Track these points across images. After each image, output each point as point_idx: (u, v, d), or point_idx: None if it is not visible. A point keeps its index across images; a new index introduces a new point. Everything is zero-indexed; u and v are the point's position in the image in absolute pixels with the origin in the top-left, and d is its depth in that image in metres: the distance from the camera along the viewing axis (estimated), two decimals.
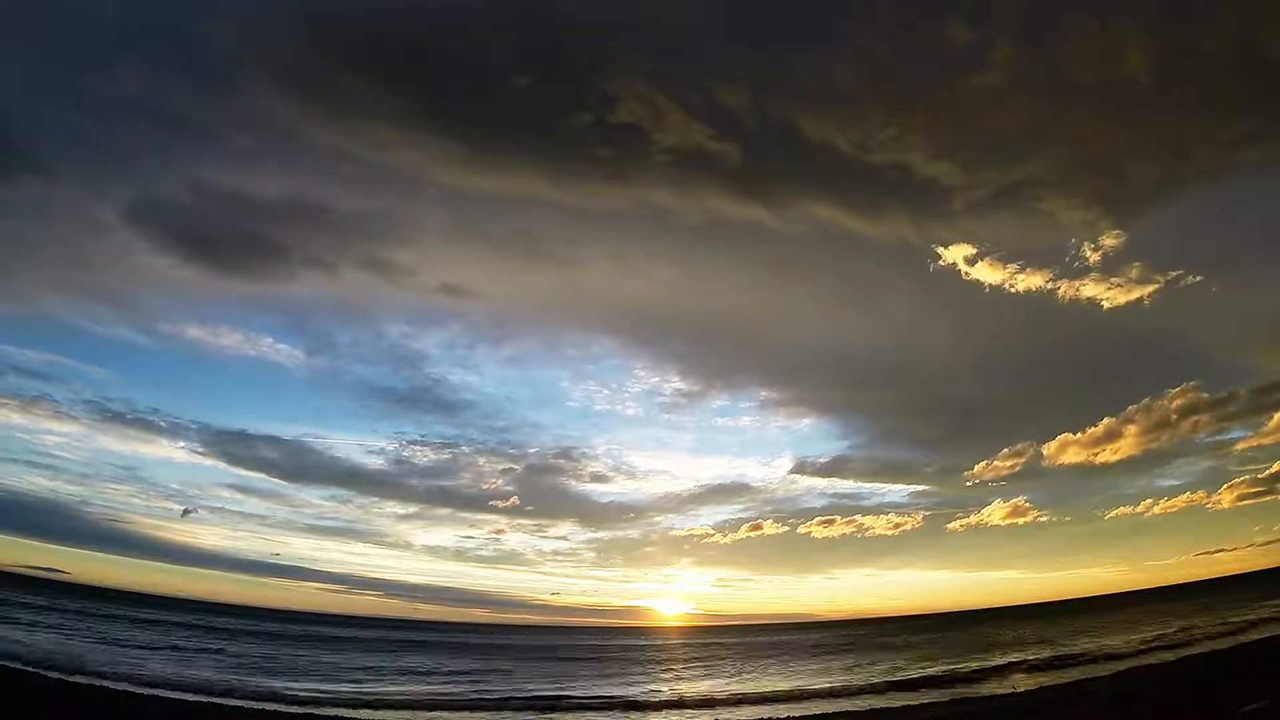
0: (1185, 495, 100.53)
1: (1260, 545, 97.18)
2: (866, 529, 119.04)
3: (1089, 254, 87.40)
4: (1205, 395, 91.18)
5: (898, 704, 23.21)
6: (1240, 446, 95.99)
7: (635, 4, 73.90)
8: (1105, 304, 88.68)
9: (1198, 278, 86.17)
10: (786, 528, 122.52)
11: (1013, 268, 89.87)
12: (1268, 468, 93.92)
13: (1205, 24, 62.41)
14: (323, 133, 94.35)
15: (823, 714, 22.09)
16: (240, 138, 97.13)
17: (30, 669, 24.56)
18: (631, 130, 78.57)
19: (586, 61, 77.08)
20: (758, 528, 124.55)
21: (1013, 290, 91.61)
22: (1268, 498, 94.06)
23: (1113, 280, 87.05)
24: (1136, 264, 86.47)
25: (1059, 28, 69.32)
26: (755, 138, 79.22)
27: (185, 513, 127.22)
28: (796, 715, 22.72)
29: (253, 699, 24.74)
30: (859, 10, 73.07)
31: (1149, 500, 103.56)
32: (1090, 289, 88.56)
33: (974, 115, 75.20)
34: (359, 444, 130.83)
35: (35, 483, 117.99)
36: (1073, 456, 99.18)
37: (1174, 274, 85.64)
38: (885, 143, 76.39)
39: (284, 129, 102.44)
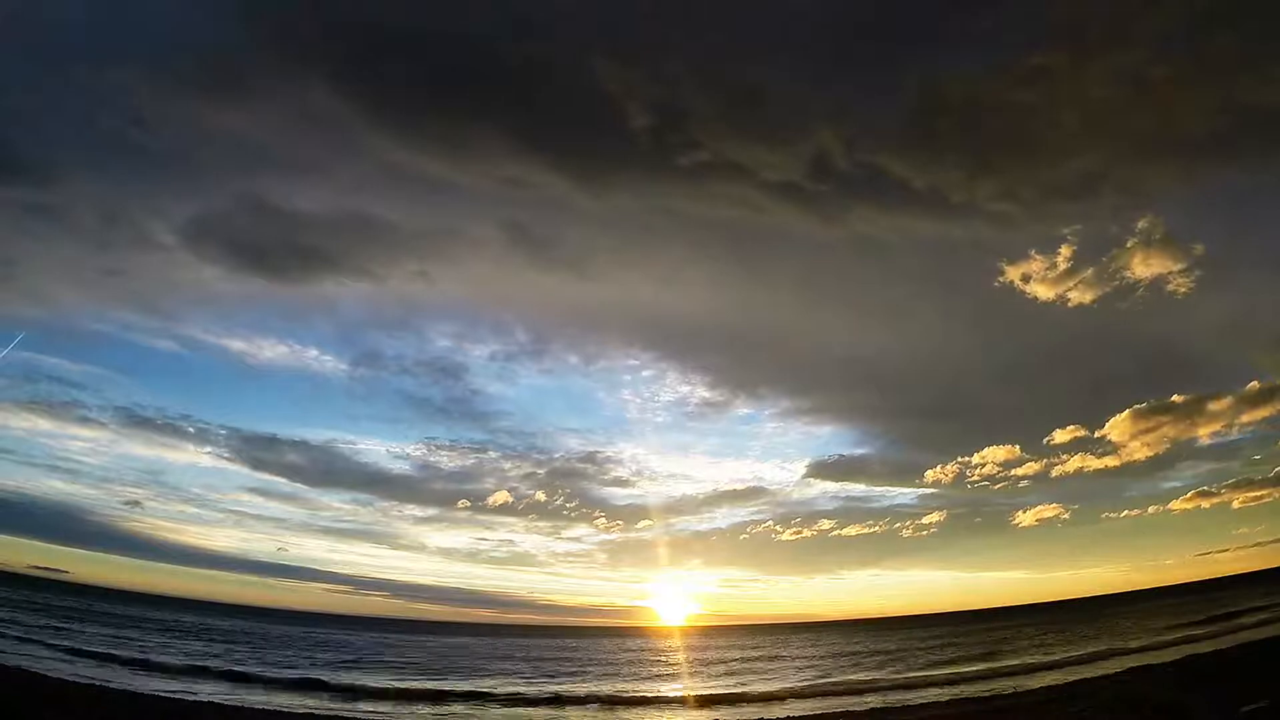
0: (1189, 497, 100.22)
1: (1262, 545, 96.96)
2: (877, 531, 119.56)
3: (1121, 266, 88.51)
4: (1210, 399, 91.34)
5: (899, 703, 23.15)
6: (1244, 449, 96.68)
7: (747, 60, 78.41)
8: (1123, 312, 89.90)
9: (1205, 283, 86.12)
10: (797, 530, 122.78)
11: (1056, 283, 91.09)
12: (1271, 469, 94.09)
13: (1268, 80, 63.63)
14: (409, 157, 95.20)
15: (825, 713, 22.06)
16: (305, 154, 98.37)
17: (31, 669, 24.64)
18: (738, 168, 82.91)
19: (703, 102, 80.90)
20: (769, 529, 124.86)
21: (1052, 302, 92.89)
22: (1270, 499, 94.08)
23: (1134, 292, 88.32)
24: (1156, 272, 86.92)
25: (1128, 83, 71.96)
26: (842, 175, 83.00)
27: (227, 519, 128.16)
28: (797, 715, 22.70)
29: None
30: (939, 67, 76.48)
31: (1154, 502, 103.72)
32: (1113, 298, 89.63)
33: (1042, 161, 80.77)
34: (386, 449, 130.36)
35: (52, 486, 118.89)
36: (1081, 460, 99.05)
37: (1184, 280, 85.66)
38: (958, 183, 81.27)
39: (354, 147, 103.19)
